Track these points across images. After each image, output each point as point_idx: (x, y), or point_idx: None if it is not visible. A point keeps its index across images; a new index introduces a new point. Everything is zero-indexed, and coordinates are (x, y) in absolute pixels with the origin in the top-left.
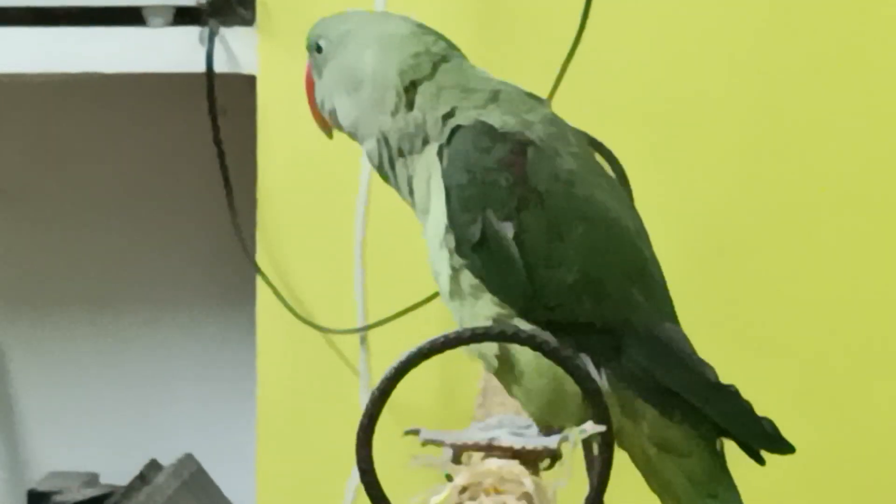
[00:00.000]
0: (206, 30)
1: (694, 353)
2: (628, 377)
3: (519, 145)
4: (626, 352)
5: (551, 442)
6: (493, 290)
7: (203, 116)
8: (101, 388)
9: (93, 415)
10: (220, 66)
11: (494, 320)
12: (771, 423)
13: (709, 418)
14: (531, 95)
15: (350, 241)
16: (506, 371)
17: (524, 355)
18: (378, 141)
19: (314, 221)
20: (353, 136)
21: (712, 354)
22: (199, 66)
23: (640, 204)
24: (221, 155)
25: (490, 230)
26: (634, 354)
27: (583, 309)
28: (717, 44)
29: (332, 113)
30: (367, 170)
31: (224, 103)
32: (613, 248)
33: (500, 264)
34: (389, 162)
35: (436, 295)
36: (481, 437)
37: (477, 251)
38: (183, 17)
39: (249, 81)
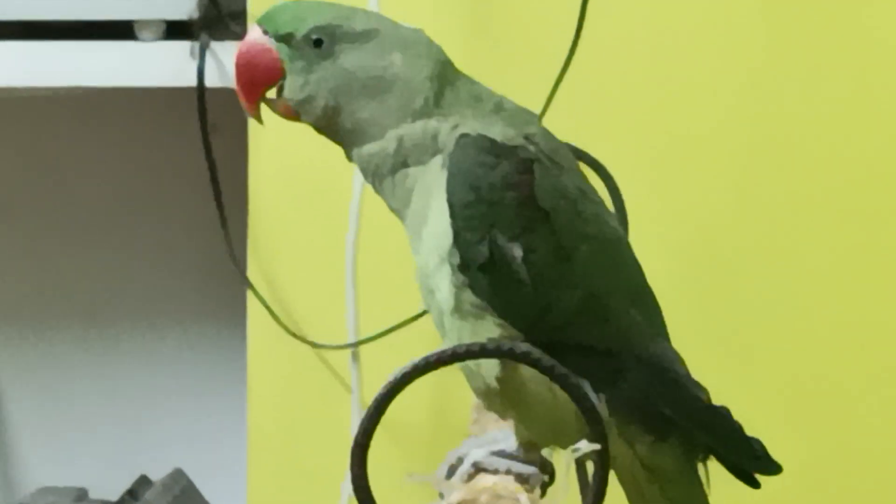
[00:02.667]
0: (197, 44)
1: (687, 373)
2: (626, 402)
3: (525, 162)
4: (624, 375)
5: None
6: (497, 310)
7: (194, 131)
8: (91, 403)
9: (83, 430)
10: (211, 81)
11: (494, 341)
12: (760, 443)
13: (701, 441)
14: (525, 110)
15: (341, 257)
16: (506, 393)
17: (528, 378)
18: (388, 145)
19: (305, 237)
20: (340, 134)
21: (706, 367)
22: (191, 81)
23: (633, 216)
24: (213, 169)
25: (498, 250)
26: (633, 378)
27: (587, 330)
28: (715, 56)
29: (327, 109)
30: (358, 185)
31: (215, 118)
32: (616, 268)
33: (507, 285)
34: (391, 169)
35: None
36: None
37: (484, 271)
38: (174, 31)
39: None
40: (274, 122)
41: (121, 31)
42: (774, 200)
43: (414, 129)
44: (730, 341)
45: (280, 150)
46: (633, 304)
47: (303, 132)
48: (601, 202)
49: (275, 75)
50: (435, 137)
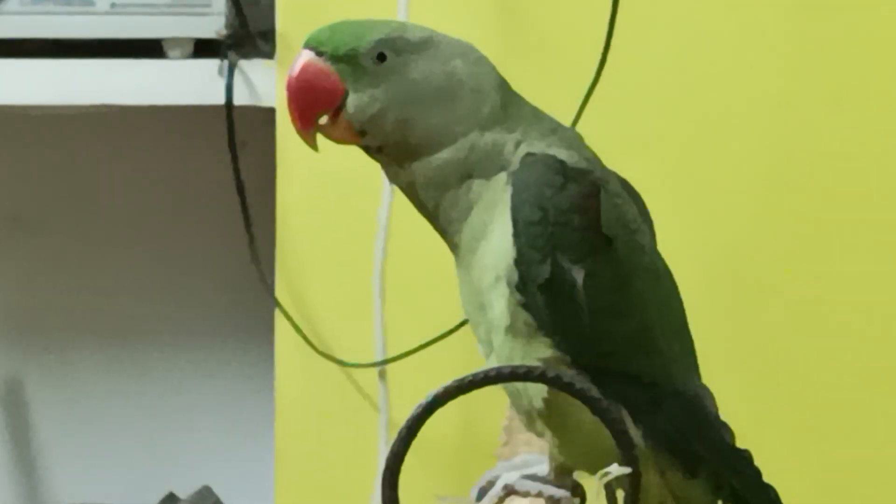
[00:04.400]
0: (225, 62)
1: (717, 412)
2: (661, 434)
3: (592, 187)
4: (662, 408)
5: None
6: (550, 332)
7: (222, 149)
8: (119, 421)
9: (111, 447)
10: (239, 99)
11: (544, 362)
12: (775, 491)
13: (727, 481)
14: (576, 132)
15: (369, 275)
16: (549, 416)
17: (573, 402)
18: (460, 152)
19: (333, 255)
20: (408, 148)
21: (732, 388)
22: (219, 99)
23: (660, 234)
24: (241, 187)
25: (559, 272)
26: (670, 411)
27: (633, 360)
28: (743, 71)
29: (398, 122)
30: (386, 203)
31: (243, 136)
32: (665, 302)
33: (564, 307)
34: (458, 178)
35: (456, 329)
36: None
37: (542, 291)
38: (203, 49)
39: (269, 114)
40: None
41: (150, 49)
42: (807, 218)
43: (484, 138)
44: (760, 361)
45: (308, 169)
46: (677, 339)
47: (331, 151)
48: (653, 234)
49: (335, 97)
50: (501, 151)
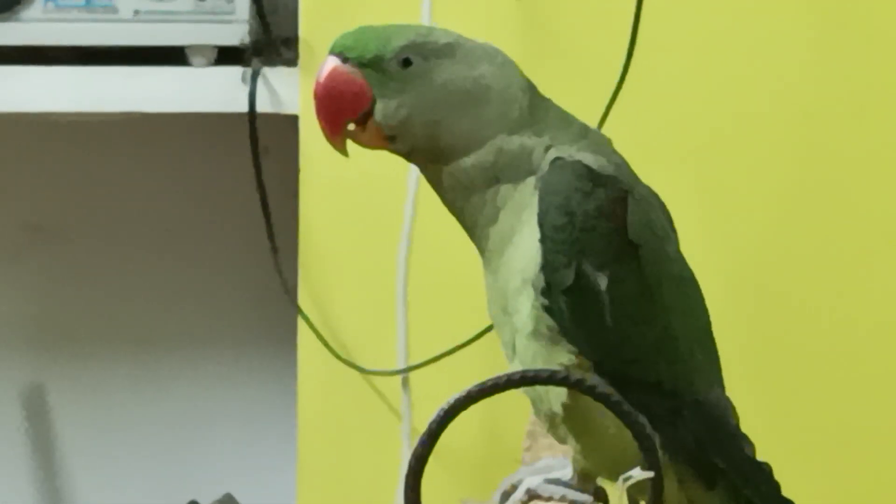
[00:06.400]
0: (248, 70)
1: (737, 425)
2: (681, 443)
3: (620, 193)
4: (683, 417)
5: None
6: (573, 337)
7: (245, 156)
8: (141, 428)
9: (133, 454)
10: (262, 106)
11: (566, 367)
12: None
13: (745, 494)
14: (605, 137)
15: (392, 282)
16: (570, 420)
17: (594, 407)
18: (488, 156)
19: (356, 262)
20: (436, 152)
21: (755, 395)
22: (242, 106)
23: (683, 240)
24: (263, 195)
25: (584, 278)
26: (690, 421)
27: (655, 368)
28: (767, 76)
29: (427, 126)
30: (409, 210)
31: (266, 143)
32: (690, 311)
33: (588, 313)
34: (486, 182)
35: (478, 337)
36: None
37: (567, 296)
38: (226, 57)
39: (292, 121)
40: (325, 147)
41: (173, 56)
42: (828, 227)
43: (512, 143)
44: (777, 372)
45: (330, 176)
46: (700, 348)
47: (354, 158)
48: (678, 241)
49: (363, 103)
50: (529, 155)
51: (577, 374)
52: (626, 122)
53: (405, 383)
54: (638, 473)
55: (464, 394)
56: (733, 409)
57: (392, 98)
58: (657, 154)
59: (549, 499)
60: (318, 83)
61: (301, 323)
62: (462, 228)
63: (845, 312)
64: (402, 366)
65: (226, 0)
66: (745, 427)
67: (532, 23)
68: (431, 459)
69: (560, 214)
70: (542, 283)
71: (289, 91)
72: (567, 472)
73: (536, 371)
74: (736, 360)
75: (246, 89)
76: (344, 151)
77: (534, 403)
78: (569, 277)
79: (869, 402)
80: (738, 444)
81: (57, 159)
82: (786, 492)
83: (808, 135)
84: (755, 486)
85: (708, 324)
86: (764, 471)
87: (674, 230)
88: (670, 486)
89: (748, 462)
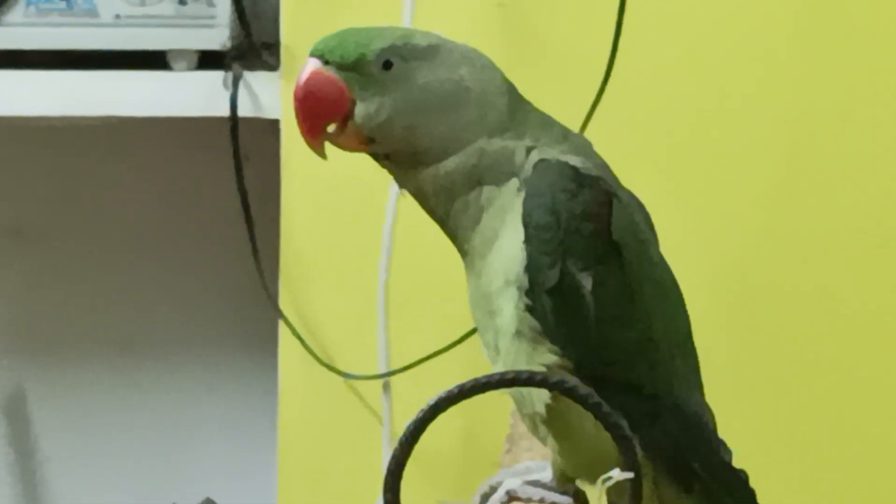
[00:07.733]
0: (230, 74)
1: (715, 430)
2: (658, 447)
3: (604, 195)
4: (661, 420)
5: (562, 500)
6: (555, 338)
7: (226, 161)
8: (122, 433)
9: (114, 459)
10: (243, 111)
11: (548, 368)
12: None
13: (721, 500)
14: (585, 139)
15: (373, 287)
16: (552, 421)
17: (575, 408)
18: (469, 158)
19: (337, 267)
20: (416, 155)
21: (736, 399)
22: (223, 111)
23: (665, 241)
24: (245, 199)
25: (567, 278)
26: (668, 425)
27: (635, 370)
28: (750, 78)
29: (406, 129)
30: (390, 216)
31: (248, 148)
32: (671, 315)
33: (570, 314)
34: (468, 185)
35: (459, 341)
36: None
37: (551, 296)
38: (207, 61)
39: (273, 126)
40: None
41: (155, 61)
42: (811, 227)
43: (493, 145)
44: (764, 375)
45: (312, 181)
46: (680, 353)
47: (335, 163)
48: (658, 245)
49: (343, 106)
50: (511, 157)
51: (557, 376)
52: (609, 126)
53: (386, 388)
54: (617, 474)
55: (444, 395)
56: (712, 415)
57: (372, 100)
58: (639, 157)
59: (529, 500)
60: (297, 85)
61: (282, 327)
62: (443, 233)
63: (828, 316)
64: (382, 370)
65: (207, 4)
66: (724, 433)
67: (514, 26)
68: (411, 462)
69: (545, 214)
70: (525, 284)
71: (270, 96)
72: (546, 475)
73: (517, 372)
74: (716, 365)
75: (227, 94)
76: (322, 154)
77: (517, 403)
78: (553, 277)
79: (849, 409)
80: (715, 450)
81: (38, 163)
82: (761, 499)
83: (791, 138)
84: (731, 492)
85: (688, 329)
86: (740, 477)
87: (654, 234)
88: (648, 489)
89: (724, 467)
